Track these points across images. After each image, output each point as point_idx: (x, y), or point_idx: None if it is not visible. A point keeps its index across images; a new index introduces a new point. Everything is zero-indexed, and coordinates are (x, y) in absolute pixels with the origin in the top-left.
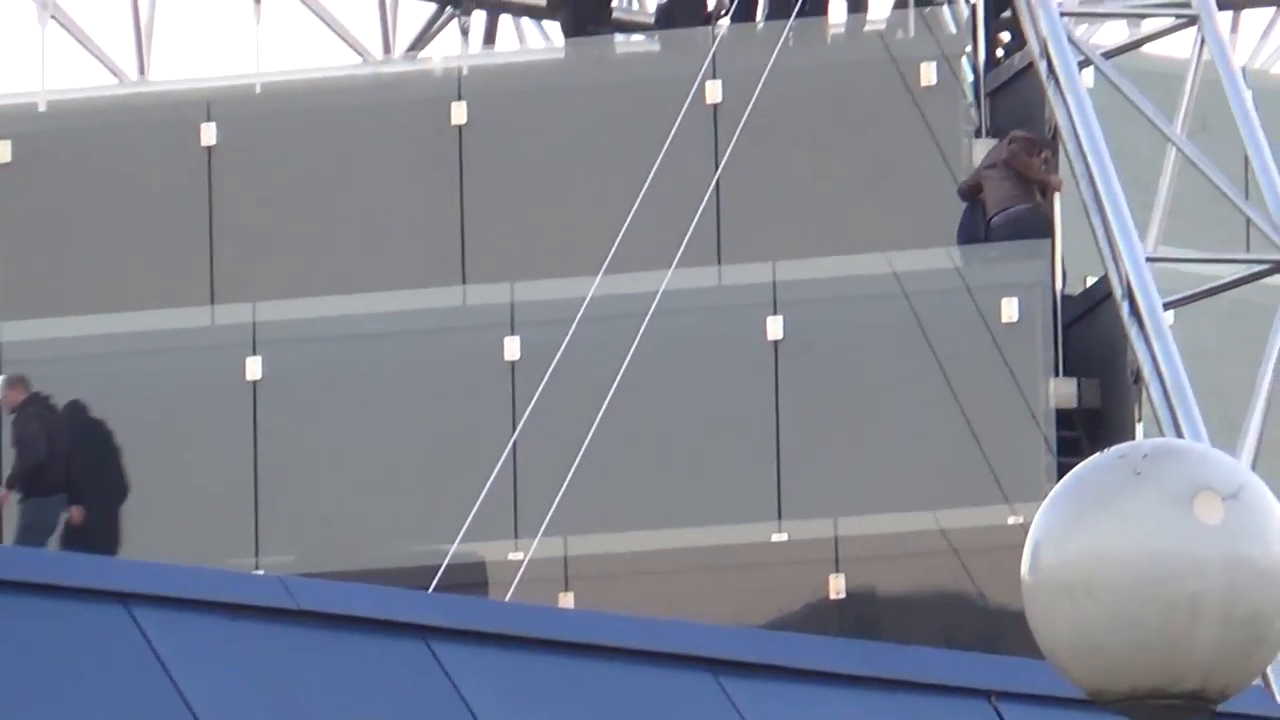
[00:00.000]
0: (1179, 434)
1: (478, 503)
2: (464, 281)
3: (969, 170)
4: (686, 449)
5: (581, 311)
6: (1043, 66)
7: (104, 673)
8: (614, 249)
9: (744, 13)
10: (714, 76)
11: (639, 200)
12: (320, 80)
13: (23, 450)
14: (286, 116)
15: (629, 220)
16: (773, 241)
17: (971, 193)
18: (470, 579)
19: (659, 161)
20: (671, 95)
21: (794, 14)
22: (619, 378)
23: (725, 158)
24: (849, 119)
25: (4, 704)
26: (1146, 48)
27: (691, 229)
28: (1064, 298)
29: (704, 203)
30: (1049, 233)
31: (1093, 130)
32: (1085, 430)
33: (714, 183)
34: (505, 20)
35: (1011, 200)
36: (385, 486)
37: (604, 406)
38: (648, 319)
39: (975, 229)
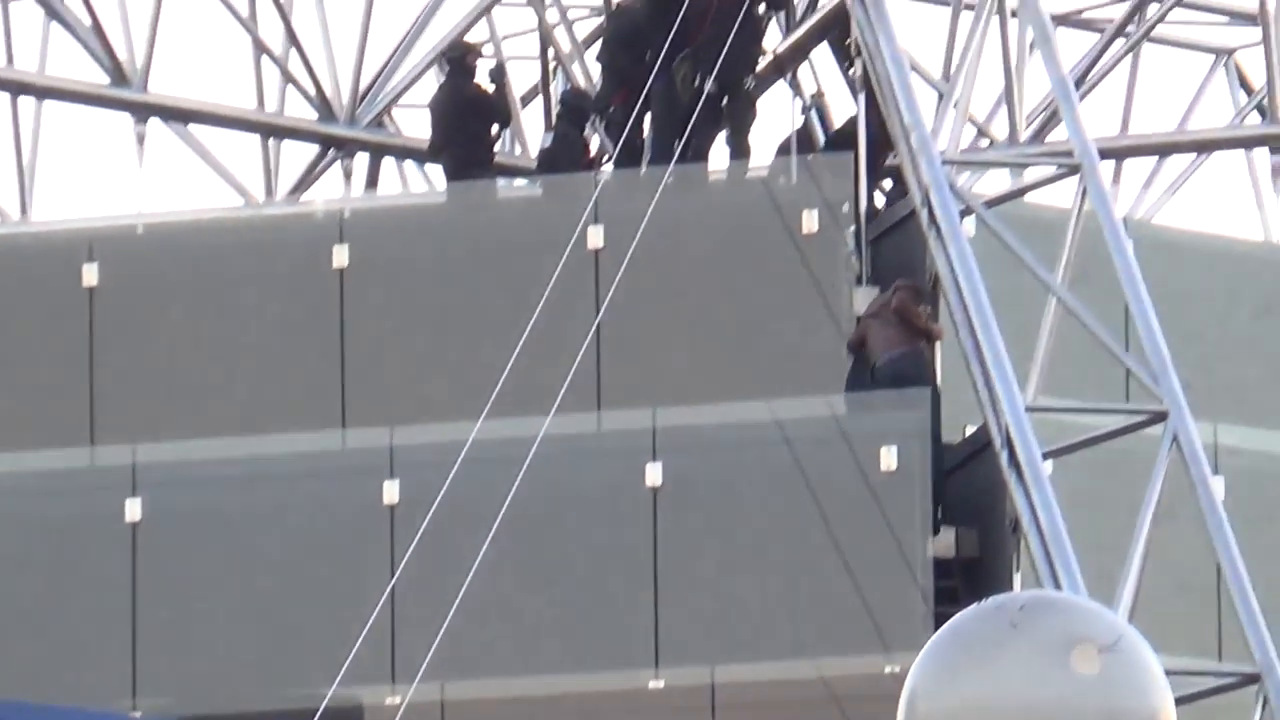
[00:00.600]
0: (1057, 585)
1: (356, 646)
2: (344, 425)
3: (850, 318)
4: (565, 594)
5: (462, 456)
6: (924, 215)
7: None
8: (495, 393)
9: (626, 158)
10: (595, 222)
11: (520, 345)
12: (202, 221)
13: None
14: (169, 257)
15: (510, 365)
16: (653, 387)
17: (858, 346)
18: None
19: (540, 306)
20: (553, 240)
21: (674, 160)
22: (497, 522)
23: (605, 302)
24: (731, 265)
25: None
26: (1029, 196)
27: (571, 374)
28: (943, 446)
29: (584, 347)
30: (931, 379)
31: (973, 279)
32: (963, 579)
33: (595, 327)
34: (388, 163)
35: (896, 344)
36: (264, 629)
37: (482, 551)
38: (527, 464)
39: (861, 381)
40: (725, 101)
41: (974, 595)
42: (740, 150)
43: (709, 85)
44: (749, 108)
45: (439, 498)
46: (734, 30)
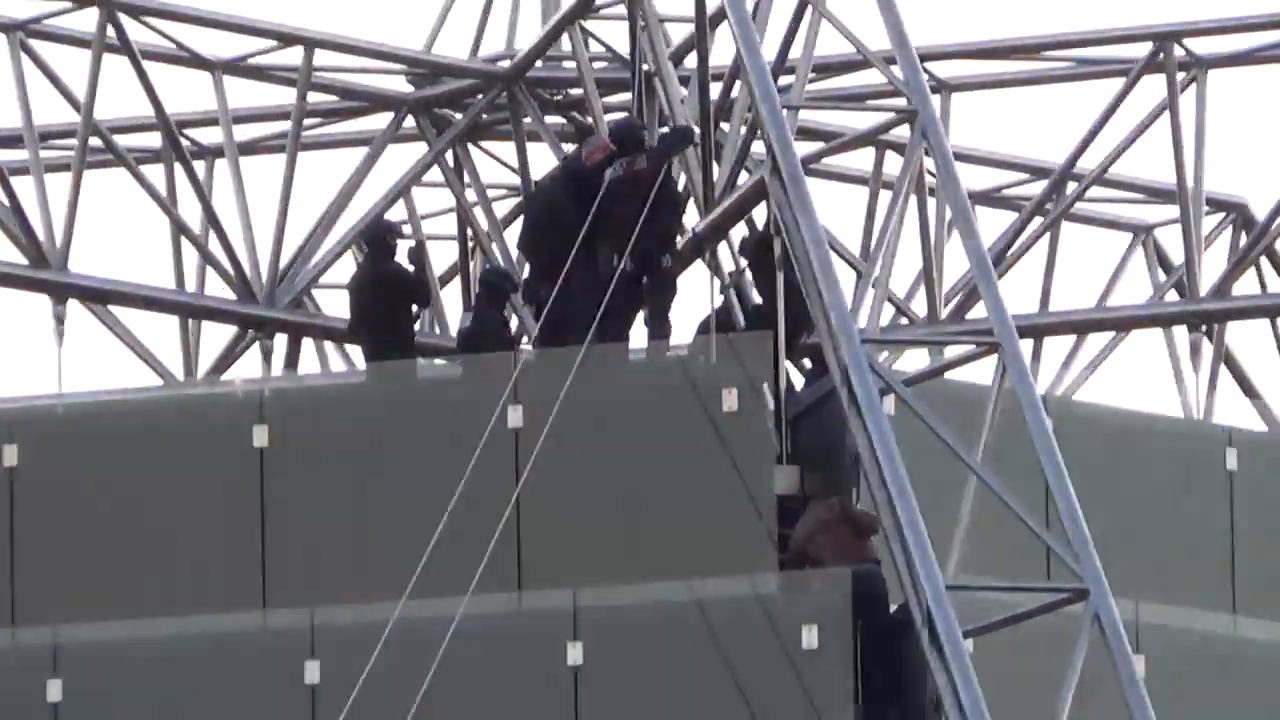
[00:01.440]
0: None
1: None
2: (264, 605)
3: (770, 496)
4: None
5: (384, 637)
6: (844, 393)
7: None
8: (416, 574)
9: (550, 338)
10: (515, 401)
11: (440, 525)
12: (122, 401)
13: None
14: (88, 437)
15: (430, 545)
16: (573, 567)
17: (797, 565)
18: None
19: (460, 486)
20: (472, 420)
21: (593, 339)
22: (417, 702)
23: (523, 482)
24: (650, 444)
25: None
26: (948, 374)
27: (490, 554)
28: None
29: (504, 527)
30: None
31: (893, 457)
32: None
33: (512, 505)
34: (307, 343)
35: (856, 555)
36: None
37: None
38: (446, 644)
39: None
40: (644, 281)
41: None
42: (660, 329)
43: (626, 264)
44: (668, 286)
45: (361, 678)
46: (651, 209)
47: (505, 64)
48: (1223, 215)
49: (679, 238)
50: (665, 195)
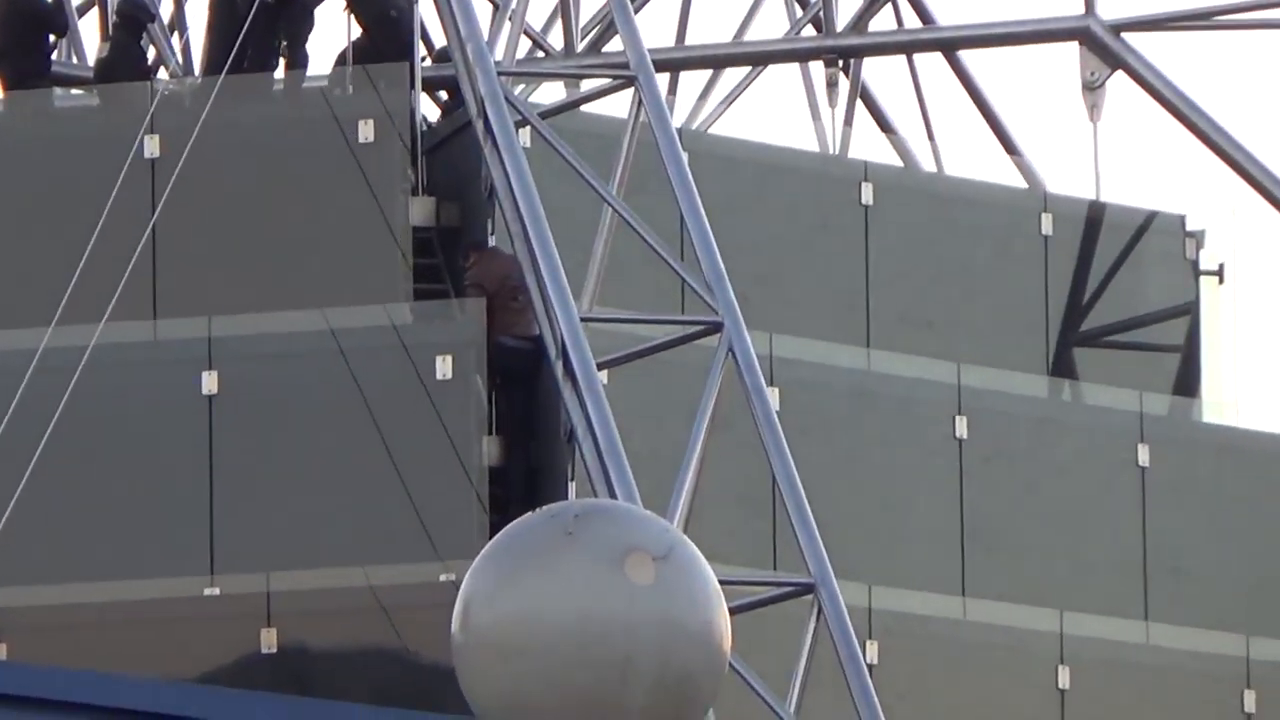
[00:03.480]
0: (612, 495)
1: None
2: None
3: (406, 230)
4: (120, 502)
5: (30, 366)
6: (480, 126)
7: None
8: (60, 303)
9: (188, 67)
10: (152, 132)
11: (76, 253)
12: None
13: None
14: None
15: (72, 274)
16: (209, 297)
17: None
18: None
19: (101, 217)
20: (110, 150)
21: (227, 69)
22: (50, 429)
23: (158, 211)
24: (288, 175)
25: None
26: (585, 108)
27: (124, 281)
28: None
29: (137, 256)
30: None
31: (529, 190)
32: (519, 492)
33: (148, 235)
34: None
35: (512, 328)
36: None
37: (35, 458)
38: (80, 372)
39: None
40: (281, 11)
41: (529, 507)
42: (297, 60)
43: None
44: (305, 17)
45: (8, 408)
46: None
47: None
48: None
49: None
50: None
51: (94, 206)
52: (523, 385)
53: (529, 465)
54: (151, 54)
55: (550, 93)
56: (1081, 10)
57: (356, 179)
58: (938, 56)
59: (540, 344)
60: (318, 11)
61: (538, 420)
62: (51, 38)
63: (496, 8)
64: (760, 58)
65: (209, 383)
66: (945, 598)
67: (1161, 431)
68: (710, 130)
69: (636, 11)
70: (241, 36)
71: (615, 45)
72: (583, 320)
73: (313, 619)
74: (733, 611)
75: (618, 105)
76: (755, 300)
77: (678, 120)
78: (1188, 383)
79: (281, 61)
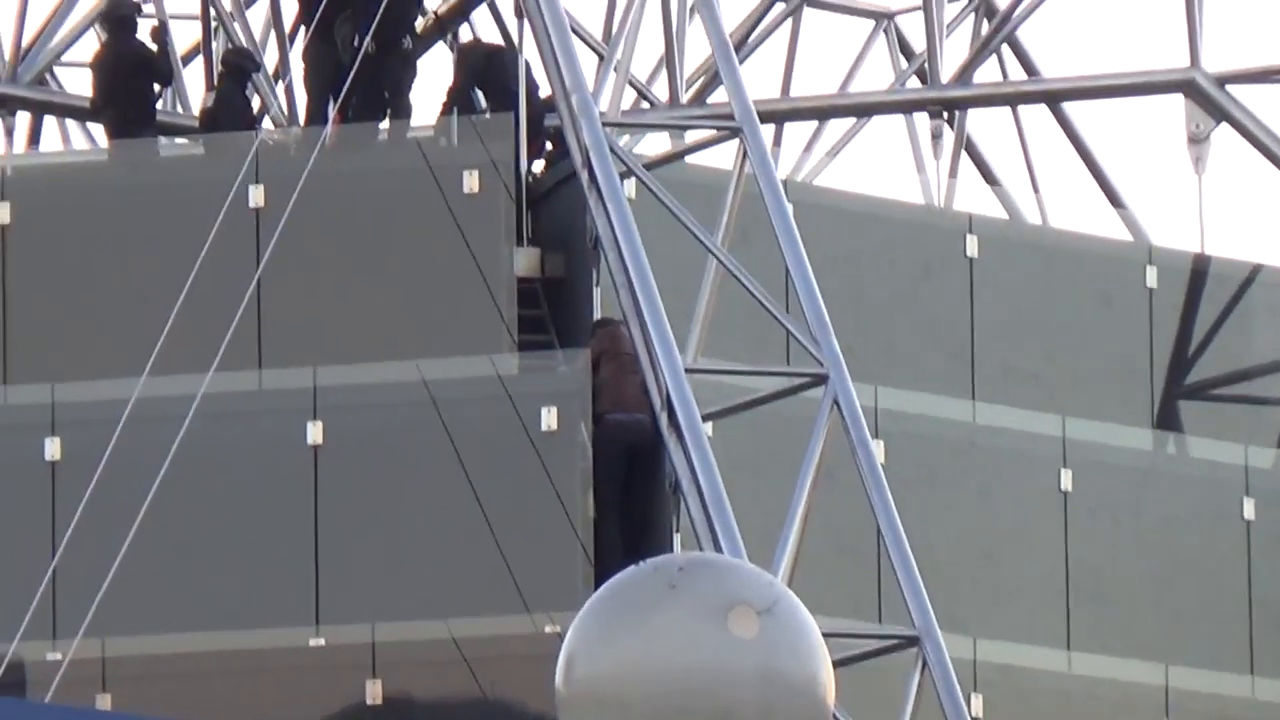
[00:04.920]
0: (716, 547)
1: (32, 606)
2: (4, 382)
3: (511, 279)
4: (227, 552)
5: (126, 414)
6: (585, 176)
7: None
8: (156, 351)
9: (293, 117)
10: (256, 181)
11: (180, 303)
12: None
13: None
14: None
15: (171, 323)
16: (314, 347)
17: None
18: (8, 679)
19: (200, 264)
20: (214, 198)
21: (334, 120)
22: (159, 480)
23: (265, 261)
24: (392, 225)
25: None
26: (690, 158)
27: (232, 332)
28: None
29: (245, 306)
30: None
31: (634, 241)
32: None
33: (253, 285)
34: (50, 121)
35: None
36: None
37: (144, 508)
38: (188, 421)
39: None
40: (387, 61)
41: (634, 561)
42: (400, 110)
43: (368, 46)
44: (407, 67)
45: (104, 456)
46: None
47: None
48: (965, 2)
49: (420, 18)
50: None
51: (198, 255)
52: (641, 461)
53: (634, 520)
54: (256, 103)
55: (655, 143)
56: (1186, 63)
57: (461, 230)
58: (1042, 108)
59: (655, 418)
60: (421, 61)
61: (653, 501)
62: (156, 86)
63: (601, 58)
64: (865, 109)
65: (314, 433)
66: (1050, 650)
67: (1267, 485)
68: (815, 181)
69: (741, 62)
70: (346, 87)
71: (720, 96)
72: (687, 372)
73: (418, 670)
74: (836, 664)
75: (723, 156)
76: (860, 352)
77: (782, 171)
78: None
79: (386, 111)
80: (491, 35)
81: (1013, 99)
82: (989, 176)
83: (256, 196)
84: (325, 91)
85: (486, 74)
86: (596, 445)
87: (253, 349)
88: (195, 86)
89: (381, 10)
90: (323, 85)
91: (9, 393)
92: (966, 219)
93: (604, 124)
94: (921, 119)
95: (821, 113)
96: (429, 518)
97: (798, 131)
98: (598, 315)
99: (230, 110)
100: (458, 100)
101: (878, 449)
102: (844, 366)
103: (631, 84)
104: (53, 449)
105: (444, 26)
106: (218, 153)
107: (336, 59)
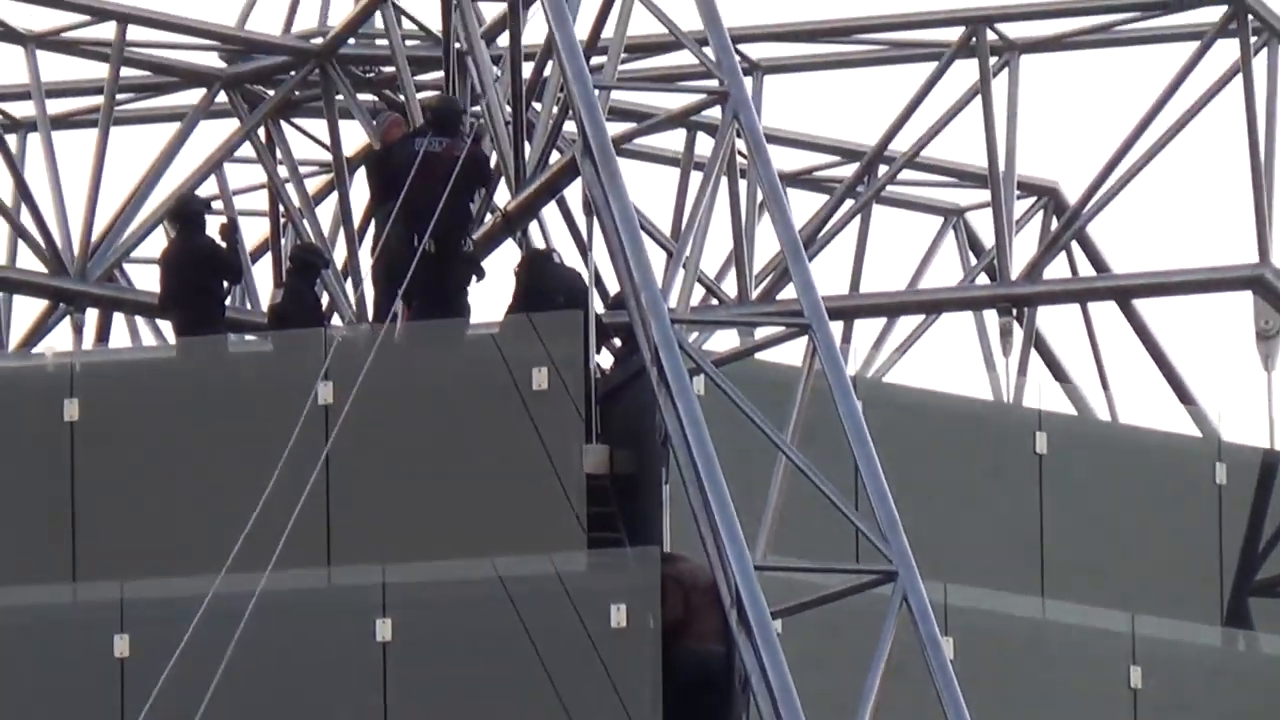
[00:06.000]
0: None
1: None
2: (74, 579)
3: (580, 475)
4: None
5: (201, 610)
6: (654, 373)
7: None
8: (229, 549)
9: (362, 314)
10: (325, 378)
11: (250, 499)
12: None
13: None
14: None
15: (240, 520)
16: (383, 544)
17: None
18: None
19: (275, 462)
20: (283, 395)
21: (397, 316)
22: (219, 673)
23: (332, 458)
24: (460, 422)
25: None
26: (759, 354)
27: (298, 528)
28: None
29: (311, 501)
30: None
31: (703, 437)
32: None
33: (323, 481)
34: (119, 318)
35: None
36: None
37: (206, 701)
38: (255, 618)
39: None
40: (447, 261)
41: None
42: (461, 309)
43: (428, 245)
44: (469, 267)
45: (176, 653)
46: (452, 190)
47: (318, 41)
48: (1034, 199)
49: (489, 215)
50: (471, 178)
51: (267, 452)
52: (717, 694)
53: None
54: (325, 299)
55: (724, 340)
56: (1255, 259)
57: (529, 427)
58: (1111, 304)
59: (732, 651)
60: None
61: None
62: (225, 283)
63: (670, 255)
64: (934, 305)
65: (383, 630)
66: None
67: None
68: (884, 378)
69: (811, 259)
70: (405, 285)
71: (789, 292)
72: (757, 569)
73: None
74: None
75: (792, 352)
76: (929, 548)
77: (851, 368)
78: None
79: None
80: (560, 232)
81: (1082, 295)
82: (1058, 373)
83: (326, 393)
84: (393, 289)
85: (541, 276)
86: (670, 677)
87: (321, 545)
88: (264, 282)
89: (440, 212)
90: (390, 283)
91: (78, 589)
92: (1035, 415)
93: (673, 321)
94: (991, 315)
95: (891, 309)
96: (500, 715)
97: (867, 327)
98: (667, 512)
99: (299, 307)
100: (527, 298)
101: (947, 646)
102: (913, 564)
103: (700, 280)
104: (122, 646)
105: (512, 224)
106: (287, 350)
107: (405, 257)
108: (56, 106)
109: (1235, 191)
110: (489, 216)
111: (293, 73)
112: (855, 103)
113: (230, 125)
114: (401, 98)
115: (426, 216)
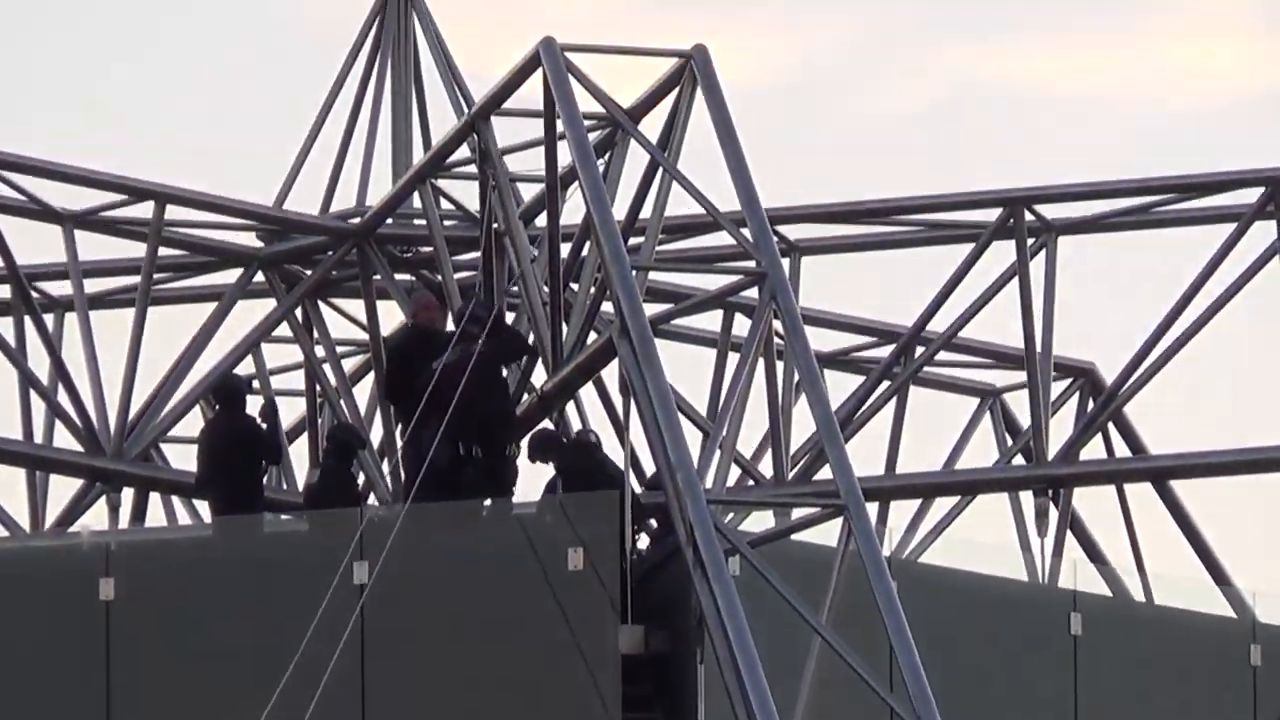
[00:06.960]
0: None
1: None
2: None
3: (615, 655)
4: None
5: None
6: (690, 553)
7: None
8: None
9: (397, 494)
10: (361, 557)
11: (286, 678)
12: None
13: None
14: None
15: (275, 697)
16: (421, 716)
17: None
18: None
19: (305, 641)
20: (318, 575)
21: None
22: None
23: (360, 636)
24: (496, 602)
25: None
26: (795, 535)
27: (334, 707)
28: None
29: (348, 682)
30: None
31: (739, 618)
32: None
33: (336, 659)
34: (155, 497)
35: None
36: None
37: None
38: None
39: None
40: (488, 463)
41: None
42: (503, 487)
43: (475, 451)
44: (509, 469)
45: None
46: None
47: (356, 221)
48: (1071, 380)
49: (521, 421)
50: (497, 379)
51: (302, 631)
52: None
53: None
54: (361, 479)
55: (760, 520)
56: None
57: (565, 607)
58: (1147, 485)
59: None
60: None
61: None
62: (263, 463)
63: (707, 435)
64: (970, 486)
65: None
66: None
67: None
68: (920, 559)
69: (847, 439)
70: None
71: (825, 474)
72: None
73: None
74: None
75: (828, 533)
76: None
77: (887, 549)
78: None
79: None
80: (598, 413)
81: (1118, 476)
82: (1094, 554)
83: (361, 573)
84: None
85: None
86: None
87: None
88: (300, 462)
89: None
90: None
91: None
92: (1071, 596)
93: (709, 501)
94: (1027, 496)
95: (927, 491)
96: None
97: (904, 507)
98: (702, 692)
99: (335, 486)
100: (566, 477)
101: None
102: None
103: (737, 461)
104: None
105: (549, 405)
106: (322, 529)
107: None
108: (94, 285)
109: (1270, 372)
110: (525, 397)
111: (330, 252)
112: (892, 283)
113: (267, 305)
114: (439, 278)
115: (453, 421)
